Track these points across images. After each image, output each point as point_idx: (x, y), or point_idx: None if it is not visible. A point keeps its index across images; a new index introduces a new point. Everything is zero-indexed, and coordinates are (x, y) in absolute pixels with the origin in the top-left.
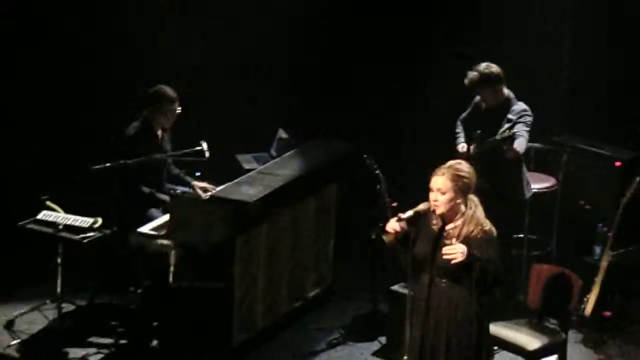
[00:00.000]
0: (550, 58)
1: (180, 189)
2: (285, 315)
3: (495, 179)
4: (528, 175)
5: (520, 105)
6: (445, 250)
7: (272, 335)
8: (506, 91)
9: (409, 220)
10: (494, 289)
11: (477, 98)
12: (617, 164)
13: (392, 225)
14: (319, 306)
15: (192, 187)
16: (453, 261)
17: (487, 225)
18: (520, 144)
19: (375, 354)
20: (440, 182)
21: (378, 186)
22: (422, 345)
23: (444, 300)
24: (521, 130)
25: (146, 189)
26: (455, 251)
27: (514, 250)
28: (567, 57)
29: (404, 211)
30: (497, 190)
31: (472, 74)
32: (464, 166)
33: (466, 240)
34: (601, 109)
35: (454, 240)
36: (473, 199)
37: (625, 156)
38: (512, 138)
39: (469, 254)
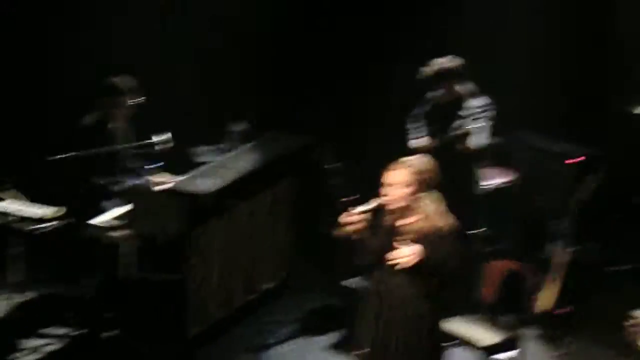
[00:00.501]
0: (507, 55)
1: (135, 181)
2: (239, 308)
3: (451, 174)
4: (482, 170)
5: (479, 100)
6: (393, 255)
7: (226, 328)
8: (466, 85)
9: (368, 212)
10: (454, 285)
11: (436, 92)
12: (568, 161)
13: (348, 222)
14: (274, 299)
15: (149, 179)
16: (404, 265)
17: (447, 220)
18: (476, 140)
19: (328, 348)
20: (393, 177)
21: (331, 180)
22: (374, 340)
23: (396, 294)
24: (480, 126)
25: (101, 180)
26: (404, 254)
27: (468, 246)
28: (525, 54)
29: (357, 205)
30: (452, 185)
31: (430, 68)
32: (421, 162)
33: (423, 235)
34: (554, 106)
35: (409, 236)
36: (430, 194)
37: (578, 154)
38: (466, 135)
39: (424, 256)
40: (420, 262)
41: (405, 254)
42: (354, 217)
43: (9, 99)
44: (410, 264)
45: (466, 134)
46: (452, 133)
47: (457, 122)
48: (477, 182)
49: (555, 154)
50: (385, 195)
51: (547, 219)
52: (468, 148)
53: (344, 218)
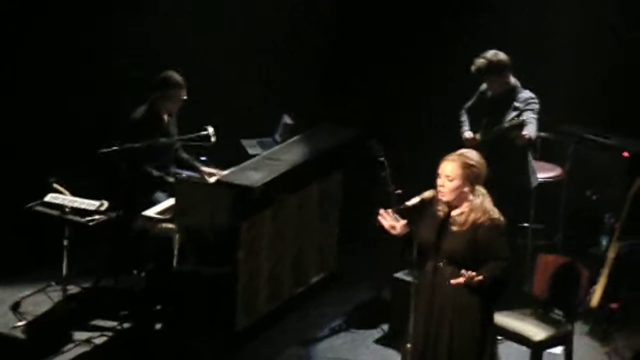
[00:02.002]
0: (558, 49)
1: (186, 173)
2: (288, 301)
3: (501, 168)
4: (534, 164)
5: (526, 93)
6: (462, 279)
7: (274, 321)
8: (512, 79)
9: (414, 207)
10: (502, 292)
11: (483, 86)
12: (625, 154)
13: (389, 226)
14: (322, 292)
15: (200, 172)
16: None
17: (495, 213)
18: (530, 130)
19: (377, 341)
20: (449, 169)
21: (383, 173)
22: (426, 334)
23: (447, 288)
24: (530, 118)
25: (155, 172)
26: (470, 278)
27: (520, 240)
28: (574, 48)
29: (408, 198)
30: (502, 179)
31: (479, 61)
32: (474, 155)
33: (473, 228)
34: (606, 100)
35: (461, 227)
36: (481, 189)
37: (633, 147)
38: (520, 126)
39: (479, 280)
40: (474, 255)
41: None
42: (390, 219)
43: (65, 91)
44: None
45: (518, 126)
46: (505, 125)
47: (509, 115)
48: (530, 175)
49: (608, 146)
50: (440, 186)
51: (600, 212)
52: (524, 137)
53: (381, 219)
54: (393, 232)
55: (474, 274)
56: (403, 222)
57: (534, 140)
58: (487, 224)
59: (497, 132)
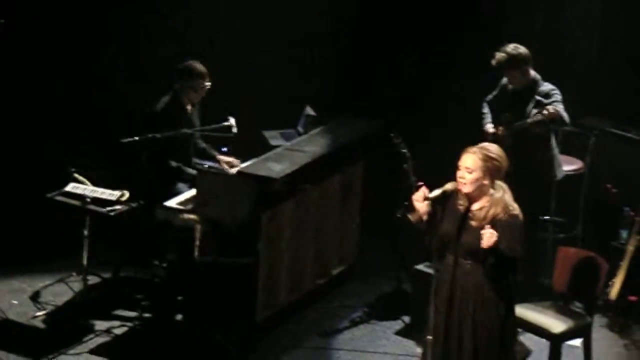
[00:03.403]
0: (578, 42)
1: (207, 164)
2: (309, 292)
3: (525, 161)
4: (559, 156)
5: (547, 86)
6: (486, 230)
7: (295, 312)
8: (533, 72)
9: (435, 199)
10: (510, 271)
11: (504, 80)
12: None
13: (418, 204)
14: (343, 284)
15: (218, 161)
16: (485, 243)
17: (515, 209)
18: (561, 110)
19: (398, 333)
20: (470, 161)
21: (405, 165)
22: (448, 326)
23: (468, 280)
24: (558, 106)
25: (174, 163)
26: (492, 236)
27: (540, 233)
28: (595, 42)
29: (430, 190)
30: (527, 172)
31: (499, 55)
32: (495, 149)
33: (492, 222)
34: (627, 93)
35: (480, 222)
36: (501, 184)
37: None
38: (542, 122)
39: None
40: (494, 244)
41: (494, 237)
42: (428, 202)
43: (87, 80)
44: (491, 242)
45: (541, 121)
46: (527, 121)
47: (530, 108)
48: (555, 167)
49: (629, 140)
50: (460, 178)
51: (620, 205)
52: (552, 114)
53: (417, 199)
54: (418, 205)
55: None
56: (426, 205)
57: (565, 118)
58: (506, 219)
59: (519, 127)
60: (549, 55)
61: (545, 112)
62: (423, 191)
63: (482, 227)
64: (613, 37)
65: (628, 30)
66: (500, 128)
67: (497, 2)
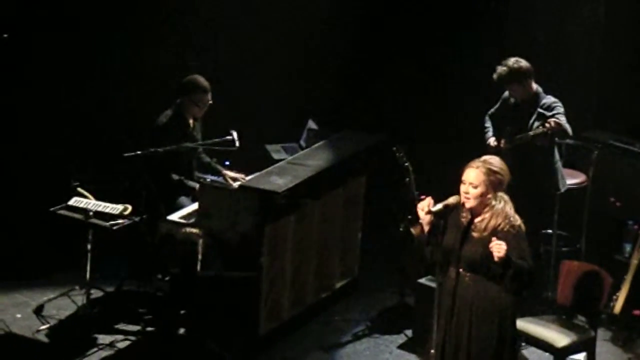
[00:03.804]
0: (581, 55)
1: (210, 178)
2: (311, 306)
3: (529, 174)
4: (562, 169)
5: (549, 98)
6: (494, 242)
7: (298, 326)
8: (535, 86)
9: (438, 213)
10: (528, 286)
11: (506, 93)
12: None
13: (422, 214)
14: (346, 298)
15: (223, 176)
16: (496, 255)
17: (517, 220)
18: (564, 121)
19: (401, 347)
20: (473, 176)
21: (407, 179)
22: (448, 338)
23: (469, 293)
24: (561, 118)
25: (176, 176)
26: (501, 246)
27: (543, 246)
28: (597, 55)
29: (435, 203)
30: (530, 185)
31: (501, 69)
32: (497, 162)
33: (493, 234)
34: (630, 106)
35: (481, 233)
36: (503, 195)
37: None
38: (544, 134)
39: (507, 254)
40: (499, 259)
41: (503, 247)
42: (430, 216)
43: (89, 95)
44: (502, 254)
45: (543, 134)
46: (530, 134)
47: (534, 120)
48: (558, 180)
49: (632, 153)
50: (464, 193)
51: (624, 219)
52: (559, 124)
53: (420, 208)
54: (421, 215)
55: (503, 243)
56: (430, 217)
57: (567, 130)
58: (507, 230)
59: (522, 140)
60: (551, 69)
61: (547, 124)
62: (428, 200)
63: (483, 239)
64: (616, 50)
65: (631, 43)
66: (503, 141)
67: (499, 15)
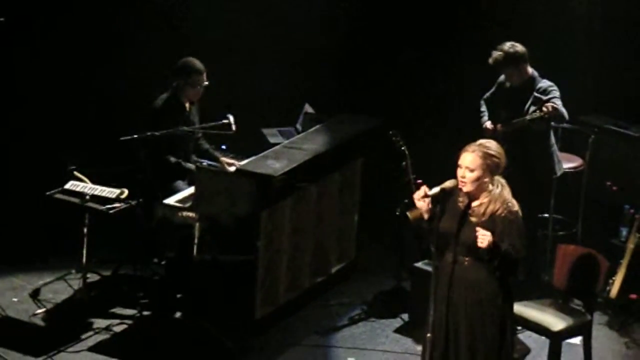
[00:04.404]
0: (577, 38)
1: (206, 163)
2: (307, 290)
3: (524, 158)
4: (558, 152)
5: (545, 82)
6: (479, 232)
7: (294, 310)
8: (530, 70)
9: (435, 197)
10: (513, 272)
11: (502, 77)
12: None
13: (419, 203)
14: (342, 282)
15: (220, 162)
16: (479, 244)
17: (514, 206)
18: (560, 106)
19: (397, 330)
20: (469, 159)
21: (403, 162)
22: (446, 323)
23: (466, 278)
24: (557, 102)
25: (173, 159)
26: (485, 237)
27: (540, 230)
28: (594, 39)
29: (429, 188)
30: (526, 169)
31: (496, 53)
32: (494, 145)
33: (491, 219)
34: (627, 90)
35: (480, 218)
36: (500, 179)
37: None
38: (541, 119)
39: (494, 244)
40: (493, 244)
41: (488, 237)
42: (427, 199)
43: (85, 78)
44: (486, 245)
45: (539, 118)
46: (526, 118)
47: (530, 105)
48: (554, 164)
49: (629, 137)
50: (461, 177)
51: (620, 203)
52: (548, 106)
53: (416, 197)
54: (419, 203)
55: (489, 234)
56: (428, 203)
57: (564, 114)
58: (504, 215)
59: (518, 124)
60: (548, 53)
61: (544, 109)
62: (423, 189)
63: (481, 224)
64: (613, 35)
65: (629, 27)
66: (499, 125)
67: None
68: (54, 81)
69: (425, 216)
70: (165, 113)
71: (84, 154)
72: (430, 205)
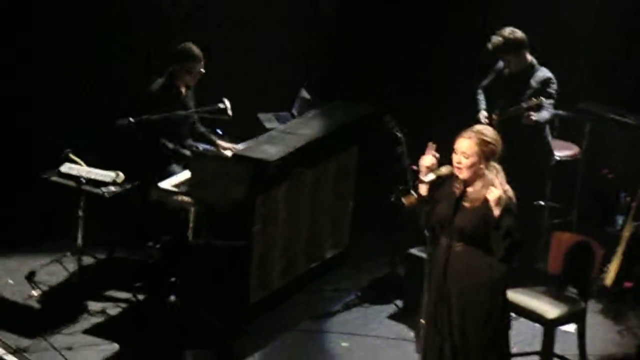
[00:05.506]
0: (574, 26)
1: (203, 147)
2: (302, 276)
3: (518, 146)
4: (552, 142)
5: (544, 72)
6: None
7: (288, 296)
8: (529, 57)
9: (430, 183)
10: (515, 255)
11: (500, 64)
12: None
13: (422, 186)
14: (336, 267)
15: (216, 146)
16: (493, 199)
17: (509, 192)
18: (541, 117)
19: (391, 317)
20: (465, 146)
21: (399, 149)
22: (437, 309)
23: (461, 263)
24: (545, 103)
25: (171, 145)
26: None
27: (535, 218)
28: (592, 25)
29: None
30: (519, 157)
31: (495, 39)
32: (490, 132)
33: (486, 205)
34: (624, 78)
35: (474, 203)
36: (495, 165)
37: None
38: (538, 107)
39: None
40: (485, 233)
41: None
42: (420, 182)
43: (81, 61)
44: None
45: (535, 107)
46: (523, 105)
47: (525, 93)
48: (547, 154)
49: (625, 125)
50: (457, 163)
51: (616, 191)
52: (530, 120)
53: (421, 162)
54: (423, 173)
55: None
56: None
57: (544, 123)
58: (501, 201)
59: (514, 112)
60: (545, 39)
61: (527, 118)
62: (431, 159)
63: (476, 209)
64: (610, 21)
65: (626, 13)
66: (494, 115)
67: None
68: (49, 63)
69: (426, 196)
70: (161, 97)
71: (80, 137)
72: (426, 192)
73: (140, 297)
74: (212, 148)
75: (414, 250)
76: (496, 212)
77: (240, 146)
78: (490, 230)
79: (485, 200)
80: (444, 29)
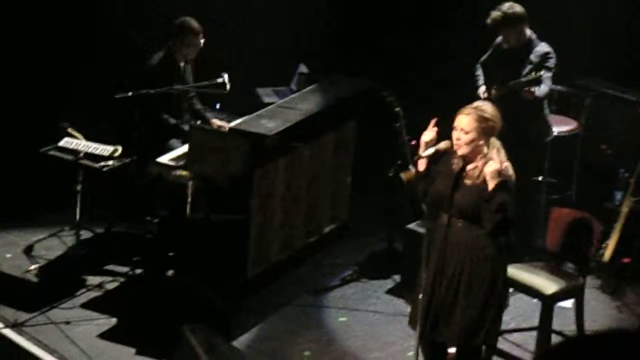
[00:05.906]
0: (574, 1)
1: (201, 121)
2: (300, 250)
3: (516, 121)
4: (550, 117)
5: (543, 47)
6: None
7: (286, 270)
8: (528, 32)
9: (429, 158)
10: (507, 231)
11: (499, 39)
12: None
13: (420, 161)
14: (334, 242)
15: (210, 124)
16: (490, 171)
17: (508, 168)
18: (540, 91)
19: (389, 291)
20: (464, 122)
21: (397, 124)
22: (439, 285)
23: (461, 239)
24: (545, 77)
25: (172, 120)
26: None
27: (533, 194)
28: (591, 2)
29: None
30: (517, 133)
31: (495, 14)
32: (489, 108)
33: (485, 181)
34: (624, 54)
35: (474, 180)
36: (495, 142)
37: None
38: (537, 81)
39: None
40: (486, 204)
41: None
42: (418, 158)
43: (79, 35)
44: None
45: (534, 81)
46: (522, 80)
47: (524, 68)
48: (545, 129)
49: (625, 101)
50: (456, 139)
51: (615, 167)
52: (529, 94)
53: (423, 136)
54: (422, 149)
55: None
56: (425, 162)
57: (542, 98)
58: (500, 177)
59: (513, 86)
60: (545, 15)
61: (527, 93)
62: (432, 134)
63: (476, 186)
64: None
65: None
66: (493, 90)
67: None
68: (48, 37)
69: (423, 170)
70: (159, 71)
71: (79, 111)
72: (424, 167)
73: (138, 271)
74: (210, 122)
75: (412, 226)
76: (491, 185)
77: (233, 124)
78: (482, 203)
79: (485, 177)
80: (446, 3)
